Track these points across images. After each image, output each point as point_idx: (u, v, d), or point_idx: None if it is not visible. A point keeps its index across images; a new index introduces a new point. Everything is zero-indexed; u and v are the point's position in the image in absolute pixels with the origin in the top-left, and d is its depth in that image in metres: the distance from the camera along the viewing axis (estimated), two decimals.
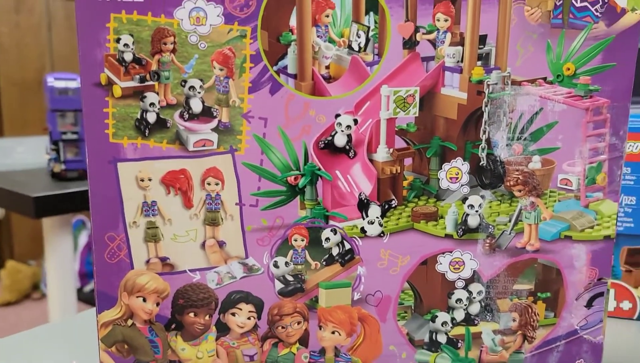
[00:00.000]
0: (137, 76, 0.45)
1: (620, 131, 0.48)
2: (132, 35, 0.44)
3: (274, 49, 0.45)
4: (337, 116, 0.46)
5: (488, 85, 0.47)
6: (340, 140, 0.47)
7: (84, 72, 0.44)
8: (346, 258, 0.48)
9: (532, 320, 0.51)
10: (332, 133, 0.47)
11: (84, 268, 2.82)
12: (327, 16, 0.46)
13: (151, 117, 0.45)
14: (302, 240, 0.48)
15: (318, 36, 0.46)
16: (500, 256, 0.50)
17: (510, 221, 0.49)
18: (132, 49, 0.44)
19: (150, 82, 0.45)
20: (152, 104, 0.45)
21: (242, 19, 0.44)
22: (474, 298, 0.50)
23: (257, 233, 0.47)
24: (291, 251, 0.48)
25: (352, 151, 0.47)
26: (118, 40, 0.44)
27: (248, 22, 0.44)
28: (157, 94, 0.45)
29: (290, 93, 0.45)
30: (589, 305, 0.51)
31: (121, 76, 0.44)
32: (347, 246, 0.48)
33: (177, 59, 0.45)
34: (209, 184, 0.46)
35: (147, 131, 0.45)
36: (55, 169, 1.44)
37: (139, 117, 0.45)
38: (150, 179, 0.46)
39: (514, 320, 0.51)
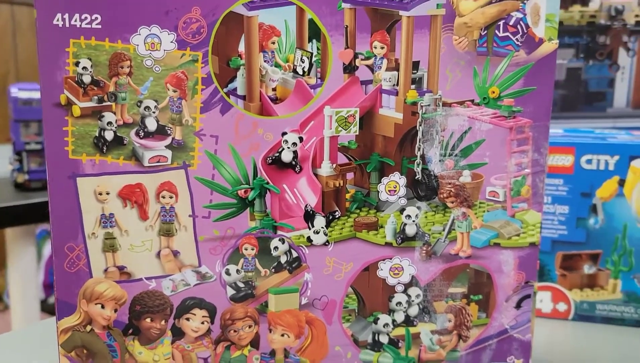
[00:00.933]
0: (95, 97, 0.47)
1: (541, 148, 0.53)
2: (90, 59, 0.47)
3: (224, 73, 0.49)
4: (284, 134, 0.50)
5: (421, 106, 0.51)
6: (286, 156, 0.50)
7: (44, 93, 0.47)
8: (294, 265, 0.51)
9: (466, 320, 0.55)
10: (279, 150, 0.50)
11: (49, 279, 2.77)
12: (273, 43, 0.49)
13: (109, 135, 0.48)
14: (252, 249, 0.51)
15: (265, 61, 0.50)
16: (436, 262, 0.53)
17: (444, 230, 0.53)
18: (90, 72, 0.47)
19: (108, 103, 0.48)
20: (109, 123, 0.48)
21: (194, 45, 0.48)
22: (413, 301, 0.54)
23: (210, 243, 0.50)
24: (242, 260, 0.51)
25: (298, 166, 0.51)
26: (77, 64, 0.47)
27: (200, 48, 0.48)
28: (115, 113, 0.48)
29: (240, 113, 0.49)
30: (517, 306, 0.55)
31: (80, 97, 0.47)
32: (295, 254, 0.51)
33: (133, 81, 0.48)
34: (163, 197, 0.49)
35: (104, 148, 0.48)
36: (19, 179, 1.44)
37: (97, 135, 0.48)
38: (108, 193, 0.49)
39: (449, 321, 0.55)
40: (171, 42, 0.47)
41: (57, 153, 0.48)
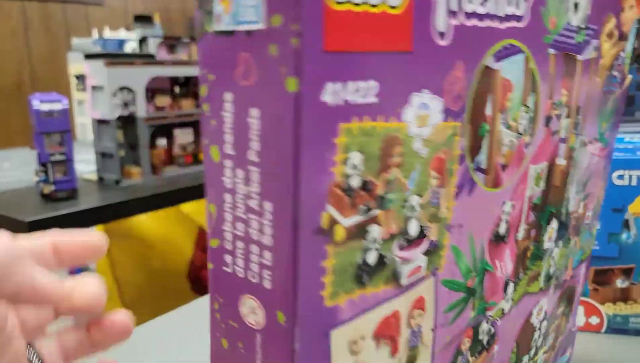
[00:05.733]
0: (363, 207, 0.31)
1: None
2: (362, 152, 0.29)
3: (474, 145, 0.38)
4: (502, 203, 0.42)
5: None
6: (502, 228, 0.43)
7: (304, 216, 0.28)
8: (490, 342, 0.46)
9: None
10: (498, 223, 0.43)
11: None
12: (509, 101, 0.40)
13: (371, 258, 0.32)
14: (468, 342, 0.43)
15: (502, 123, 0.40)
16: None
17: None
18: (360, 170, 0.30)
19: (375, 211, 0.31)
20: (374, 240, 0.32)
21: (455, 113, 0.35)
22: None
23: (442, 353, 0.41)
24: (459, 357, 0.43)
25: (506, 237, 0.44)
26: (346, 161, 0.29)
27: (459, 116, 0.35)
28: (380, 224, 0.32)
29: (481, 191, 0.39)
30: None
31: (346, 211, 0.30)
32: (492, 330, 0.46)
33: (400, 173, 0.32)
34: (413, 318, 0.37)
35: (368, 279, 0.32)
36: (45, 190, 1.45)
37: (360, 262, 0.31)
38: (363, 338, 0.33)
39: None
40: (439, 111, 0.34)
41: (310, 304, 0.29)
